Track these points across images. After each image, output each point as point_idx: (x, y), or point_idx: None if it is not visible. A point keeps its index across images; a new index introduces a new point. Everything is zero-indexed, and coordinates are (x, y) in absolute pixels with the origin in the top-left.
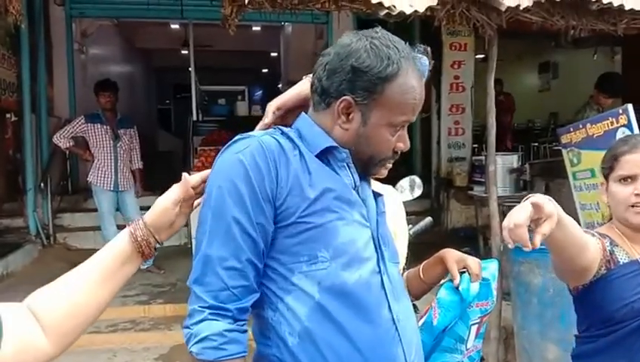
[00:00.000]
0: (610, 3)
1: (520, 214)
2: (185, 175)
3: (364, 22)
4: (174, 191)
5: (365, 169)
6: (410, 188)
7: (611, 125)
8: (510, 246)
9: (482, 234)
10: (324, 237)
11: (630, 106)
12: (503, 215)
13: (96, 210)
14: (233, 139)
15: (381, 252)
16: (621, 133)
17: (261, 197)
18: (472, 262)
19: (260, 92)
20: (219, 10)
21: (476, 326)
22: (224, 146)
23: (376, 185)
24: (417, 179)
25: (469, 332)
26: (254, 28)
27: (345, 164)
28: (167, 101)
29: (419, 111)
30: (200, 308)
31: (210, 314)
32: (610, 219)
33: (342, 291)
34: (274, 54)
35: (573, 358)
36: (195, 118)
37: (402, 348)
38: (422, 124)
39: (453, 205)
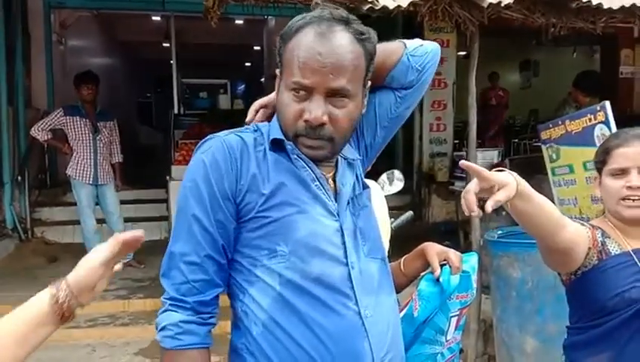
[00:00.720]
0: (589, 1)
1: (471, 183)
2: (116, 235)
3: None
4: (102, 252)
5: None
6: (391, 181)
7: (589, 122)
8: (466, 213)
9: (462, 228)
10: (282, 232)
11: (607, 103)
12: (482, 210)
13: (75, 204)
14: (203, 140)
15: (355, 245)
16: (599, 130)
17: (219, 196)
18: (453, 254)
19: (243, 86)
20: (201, 3)
21: (456, 317)
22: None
23: None
24: (398, 173)
25: (449, 324)
26: (237, 21)
27: (296, 156)
28: (149, 94)
29: (318, 73)
30: (164, 300)
31: (170, 305)
32: (604, 212)
33: (302, 283)
34: (257, 48)
35: (565, 349)
36: (176, 111)
37: (369, 343)
38: None
39: (434, 200)
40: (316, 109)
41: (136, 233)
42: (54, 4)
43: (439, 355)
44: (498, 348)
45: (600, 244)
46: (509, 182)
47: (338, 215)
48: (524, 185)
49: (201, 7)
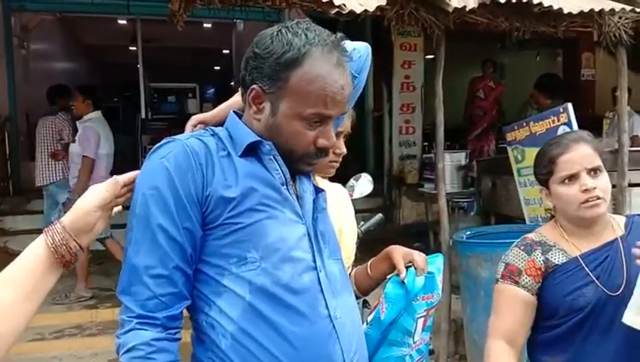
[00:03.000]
0: (551, 6)
1: None
2: (115, 177)
3: (317, 20)
4: (100, 193)
5: (289, 164)
6: (360, 185)
7: (553, 123)
8: None
9: (432, 229)
10: (252, 238)
11: (570, 105)
12: (452, 211)
13: (40, 213)
14: (158, 144)
15: (318, 248)
16: (562, 131)
17: (186, 202)
18: (418, 256)
19: (212, 90)
20: (167, 6)
21: (423, 319)
22: (149, 152)
23: (324, 184)
24: (367, 176)
25: (416, 325)
26: (205, 25)
27: (272, 157)
28: (115, 99)
29: (340, 105)
30: (128, 318)
31: (137, 323)
32: (552, 217)
33: (273, 290)
34: (226, 51)
35: (527, 346)
36: (143, 116)
37: (340, 345)
38: (374, 123)
39: (404, 202)
40: (332, 137)
41: (132, 174)
42: (15, 6)
43: (407, 357)
44: (469, 348)
45: (542, 264)
46: None
47: (304, 219)
48: None
49: (167, 11)
